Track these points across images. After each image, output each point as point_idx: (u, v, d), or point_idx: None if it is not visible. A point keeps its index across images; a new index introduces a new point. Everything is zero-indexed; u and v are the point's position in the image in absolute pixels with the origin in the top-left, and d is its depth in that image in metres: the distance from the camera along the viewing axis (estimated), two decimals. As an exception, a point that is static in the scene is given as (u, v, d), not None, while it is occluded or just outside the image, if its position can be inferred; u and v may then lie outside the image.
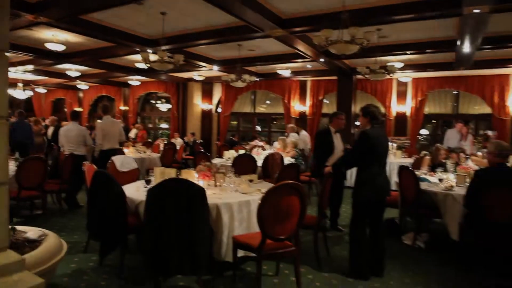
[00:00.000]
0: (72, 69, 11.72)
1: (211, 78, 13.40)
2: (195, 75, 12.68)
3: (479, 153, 7.39)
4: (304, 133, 10.18)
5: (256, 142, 9.86)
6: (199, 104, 14.75)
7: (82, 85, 15.67)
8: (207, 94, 14.70)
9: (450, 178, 4.76)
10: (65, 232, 5.02)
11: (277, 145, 8.68)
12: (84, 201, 6.45)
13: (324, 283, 3.63)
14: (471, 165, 5.77)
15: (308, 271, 3.86)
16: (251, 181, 4.42)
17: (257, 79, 11.53)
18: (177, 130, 14.39)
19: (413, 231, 4.80)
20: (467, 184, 4.30)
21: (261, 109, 14.70)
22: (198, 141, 13.02)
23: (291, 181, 3.16)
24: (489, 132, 9.69)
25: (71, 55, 10.00)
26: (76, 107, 16.82)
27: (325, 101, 12.91)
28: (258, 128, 14.90)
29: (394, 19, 6.29)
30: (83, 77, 13.42)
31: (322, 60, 9.27)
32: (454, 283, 3.72)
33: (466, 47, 7.30)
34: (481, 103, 11.01)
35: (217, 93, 14.64)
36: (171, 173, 4.23)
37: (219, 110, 14.64)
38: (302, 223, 3.33)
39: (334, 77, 11.51)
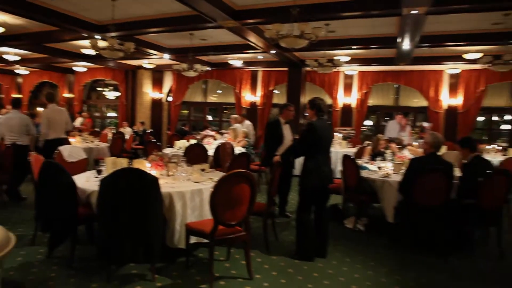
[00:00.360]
0: (10, 53, 11.01)
1: (162, 66, 13.18)
2: (145, 63, 12.41)
3: (415, 143, 8.00)
4: (247, 123, 10.27)
5: (207, 131, 9.92)
6: (149, 92, 14.46)
7: (22, 70, 14.74)
8: (158, 83, 14.45)
9: (388, 166, 5.17)
10: (8, 225, 4.81)
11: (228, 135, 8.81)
12: (27, 193, 6.22)
13: (273, 265, 3.86)
14: (407, 155, 6.28)
15: (257, 255, 4.07)
16: (203, 170, 4.53)
17: (209, 69, 11.53)
18: (126, 119, 14.03)
19: (354, 216, 5.18)
20: (403, 171, 4.70)
21: (212, 98, 14.72)
22: (148, 131, 12.81)
23: (242, 170, 3.32)
24: (425, 124, 10.45)
25: (9, 37, 9.39)
26: (14, 94, 15.81)
27: (275, 91, 13.19)
28: (209, 117, 14.92)
29: (341, 16, 6.61)
30: (22, 61, 12.63)
31: (273, 51, 9.48)
32: (387, 260, 4.11)
33: (406, 44, 7.83)
34: (420, 96, 11.82)
35: (168, 81, 14.44)
36: (123, 163, 4.23)
37: (170, 99, 14.46)
38: (252, 209, 3.51)
39: (285, 69, 11.79)
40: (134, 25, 7.86)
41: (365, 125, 13.06)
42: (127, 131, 11.73)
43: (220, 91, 14.60)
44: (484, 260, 4.25)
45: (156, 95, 14.43)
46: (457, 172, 4.70)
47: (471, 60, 8.98)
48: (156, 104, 14.56)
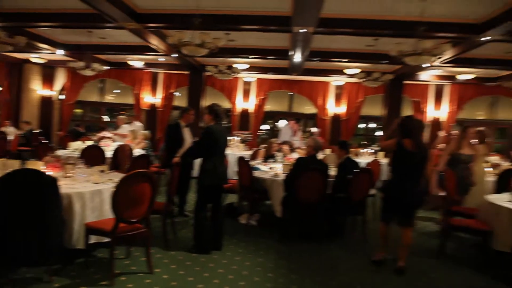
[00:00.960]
0: None
1: (54, 62, 12.29)
2: (34, 57, 11.48)
3: (305, 147, 8.92)
4: (138, 124, 10.01)
5: (105, 133, 9.63)
6: (37, 89, 13.35)
7: None
8: (48, 79, 13.40)
9: (278, 167, 5.80)
10: None
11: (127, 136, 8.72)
12: None
13: (172, 260, 4.13)
14: (296, 157, 7.04)
15: (157, 252, 4.29)
16: (102, 171, 4.58)
17: (108, 68, 11.18)
18: (9, 117, 12.75)
19: (248, 212, 5.69)
20: (290, 171, 5.33)
21: (109, 98, 14.19)
22: (35, 131, 11.83)
23: (143, 170, 3.53)
24: (313, 129, 11.60)
25: None
26: None
27: (177, 94, 13.29)
28: (106, 118, 14.35)
29: (241, 28, 7.14)
30: None
31: (174, 55, 9.65)
32: (276, 249, 4.68)
33: (297, 57, 8.71)
34: (310, 104, 13.04)
35: (61, 78, 13.49)
36: (13, 164, 4.08)
37: (62, 97, 13.54)
38: (153, 207, 3.74)
39: (186, 72, 12.01)
40: (25, 17, 7.34)
41: (261, 129, 13.91)
42: (11, 131, 10.72)
43: (118, 91, 14.15)
44: (353, 244, 5.09)
45: (46, 92, 13.38)
46: (333, 171, 5.51)
47: (350, 75, 10.32)
48: (46, 102, 13.48)
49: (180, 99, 13.38)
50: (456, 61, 8.60)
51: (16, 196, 3.11)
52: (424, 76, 11.19)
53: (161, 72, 13.03)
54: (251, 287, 3.66)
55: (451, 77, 11.04)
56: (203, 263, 4.10)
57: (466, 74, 10.30)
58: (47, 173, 3.35)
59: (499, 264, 4.31)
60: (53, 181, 3.27)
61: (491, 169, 6.99)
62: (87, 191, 3.78)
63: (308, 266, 4.26)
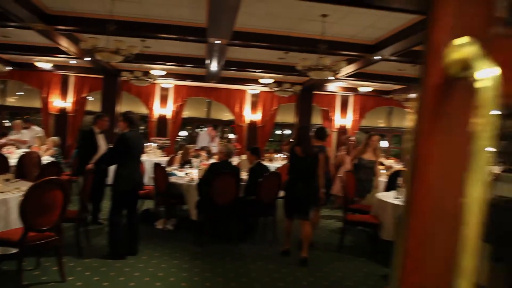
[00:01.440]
0: None
1: None
2: None
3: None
4: (36, 129, 9.36)
5: (8, 139, 8.93)
6: None
7: None
8: None
9: (194, 173, 6.02)
10: None
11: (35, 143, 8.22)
12: None
13: (86, 267, 4.11)
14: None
15: (70, 260, 4.22)
16: (7, 180, 4.38)
17: (10, 68, 10.38)
18: None
19: (164, 217, 5.81)
20: (206, 177, 5.58)
21: (11, 101, 13.09)
22: None
23: (54, 177, 3.51)
24: (231, 135, 12.01)
25: None
26: None
27: (90, 98, 12.74)
28: (8, 123, 13.19)
29: (157, 36, 7.24)
30: None
31: (87, 59, 9.33)
32: (191, 251, 4.89)
33: (213, 66, 9.01)
34: (228, 111, 13.43)
35: (-49, 78, 12.13)
36: None
37: (-46, 98, 12.17)
38: (65, 215, 3.72)
39: (100, 76, 11.61)
40: None
41: (180, 136, 13.94)
42: None
43: (22, 93, 13.12)
44: (264, 243, 5.50)
45: None
46: (245, 175, 5.89)
47: (265, 84, 10.92)
48: None
49: (93, 103, 12.84)
50: (357, 75, 9.66)
51: None
52: (331, 87, 12.29)
53: (72, 75, 12.41)
54: (167, 287, 3.83)
55: (354, 89, 12.26)
56: (119, 268, 4.15)
57: (366, 87, 11.58)
58: None
59: (386, 251, 5.04)
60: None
61: (385, 171, 7.99)
62: (-9, 201, 3.62)
63: (222, 265, 4.54)
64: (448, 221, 0.55)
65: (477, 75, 0.48)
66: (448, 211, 0.56)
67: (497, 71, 0.48)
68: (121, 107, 11.76)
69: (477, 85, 0.48)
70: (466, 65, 0.51)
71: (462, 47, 0.52)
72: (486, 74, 0.47)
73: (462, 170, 0.51)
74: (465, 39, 0.53)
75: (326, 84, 11.95)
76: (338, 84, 12.11)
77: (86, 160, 5.50)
